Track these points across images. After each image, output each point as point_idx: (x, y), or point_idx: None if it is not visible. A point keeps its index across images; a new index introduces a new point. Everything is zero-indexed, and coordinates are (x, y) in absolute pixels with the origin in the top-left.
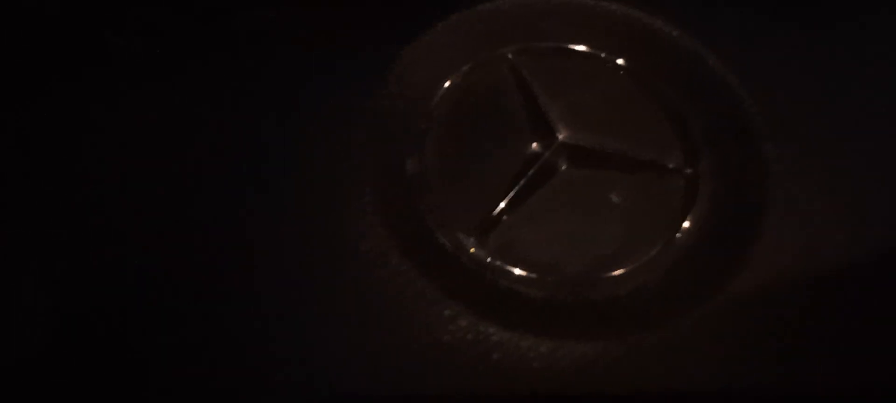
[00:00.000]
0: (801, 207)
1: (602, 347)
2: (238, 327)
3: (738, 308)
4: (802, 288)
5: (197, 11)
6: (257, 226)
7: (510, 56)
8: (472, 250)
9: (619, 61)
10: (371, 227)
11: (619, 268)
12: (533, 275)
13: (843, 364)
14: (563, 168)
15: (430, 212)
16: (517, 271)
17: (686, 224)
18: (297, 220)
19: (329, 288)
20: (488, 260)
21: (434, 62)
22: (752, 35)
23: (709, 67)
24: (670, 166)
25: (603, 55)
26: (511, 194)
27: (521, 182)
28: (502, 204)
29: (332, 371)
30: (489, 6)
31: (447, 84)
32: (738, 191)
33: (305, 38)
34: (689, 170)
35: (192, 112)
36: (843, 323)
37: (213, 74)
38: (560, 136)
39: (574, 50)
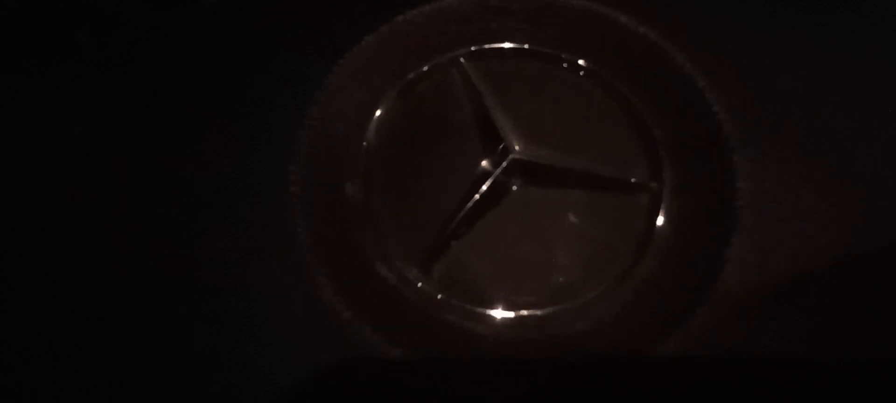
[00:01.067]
0: (771, 228)
1: (555, 389)
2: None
3: (702, 345)
4: (772, 320)
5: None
6: (173, 270)
7: (462, 61)
8: (418, 284)
9: (580, 62)
10: (304, 262)
11: (576, 301)
12: (482, 311)
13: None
14: (516, 187)
15: (371, 242)
16: (465, 306)
17: (648, 250)
18: (217, 258)
19: (255, 327)
20: (434, 294)
21: (375, 72)
22: (721, 31)
23: (676, 67)
24: (633, 180)
25: (563, 56)
26: (459, 217)
27: (470, 203)
28: (449, 230)
29: None
30: (436, 6)
31: (390, 96)
32: (704, 211)
33: (235, 54)
34: (653, 185)
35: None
36: (817, 362)
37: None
38: (513, 152)
39: (531, 51)
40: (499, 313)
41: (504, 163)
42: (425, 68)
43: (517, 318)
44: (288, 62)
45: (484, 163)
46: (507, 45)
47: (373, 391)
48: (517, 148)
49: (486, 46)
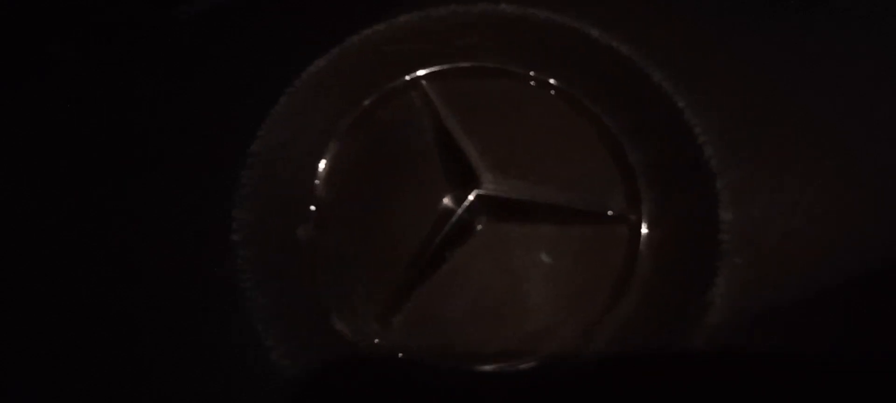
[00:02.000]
0: (760, 261)
1: None
2: None
3: (682, 386)
4: (758, 362)
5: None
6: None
7: (423, 82)
8: (376, 339)
9: (551, 81)
10: (252, 313)
11: (550, 347)
12: (448, 364)
13: None
14: (482, 226)
15: (326, 291)
16: (429, 361)
17: (628, 287)
18: (162, 309)
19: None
20: (395, 349)
21: (327, 99)
22: (702, 47)
23: (653, 86)
24: (610, 213)
25: (532, 74)
26: (420, 261)
27: (433, 245)
28: (411, 275)
29: None
30: (393, 23)
31: (344, 125)
32: (686, 244)
33: (173, 87)
34: (631, 216)
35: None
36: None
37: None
38: (479, 186)
39: (497, 70)
40: (466, 367)
41: (470, 198)
42: (382, 92)
43: (486, 373)
44: (231, 93)
45: (447, 199)
46: (471, 63)
47: None
48: (484, 180)
49: (449, 66)
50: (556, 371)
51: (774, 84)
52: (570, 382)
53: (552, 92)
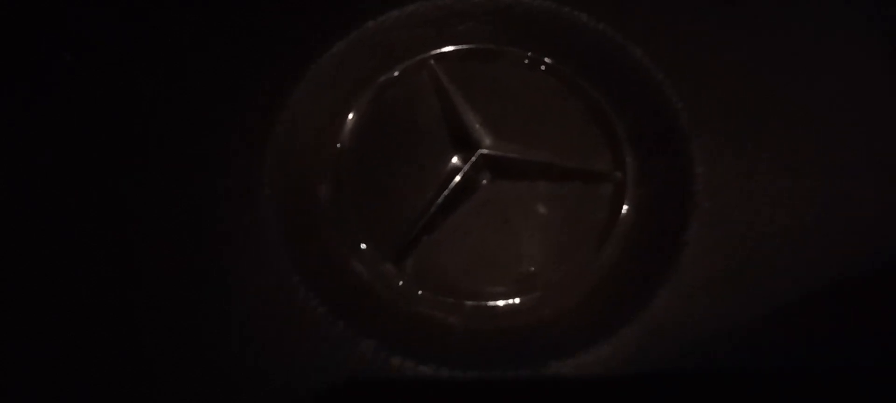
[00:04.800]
0: (728, 213)
1: (523, 376)
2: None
3: (659, 331)
4: (730, 305)
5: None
6: (150, 261)
7: (431, 62)
8: (390, 278)
9: (544, 60)
10: (279, 260)
11: (542, 290)
12: (452, 302)
13: (775, 388)
14: (485, 182)
15: (345, 240)
16: (437, 298)
17: (611, 237)
18: (197, 253)
19: (230, 325)
20: (405, 287)
21: (345, 76)
22: (677, 27)
23: (635, 61)
24: (597, 170)
25: (526, 54)
26: (430, 213)
27: (441, 199)
28: (421, 225)
29: None
30: (405, 11)
31: (362, 100)
32: (664, 197)
33: (207, 56)
34: (616, 174)
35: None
36: (776, 345)
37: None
38: (481, 148)
39: (495, 51)
40: (468, 303)
41: (473, 159)
42: (396, 72)
43: (487, 308)
44: (260, 68)
45: (454, 159)
46: (472, 46)
47: (349, 382)
48: (485, 143)
49: (453, 48)
50: (540, 315)
51: (743, 62)
52: (549, 327)
53: (544, 69)
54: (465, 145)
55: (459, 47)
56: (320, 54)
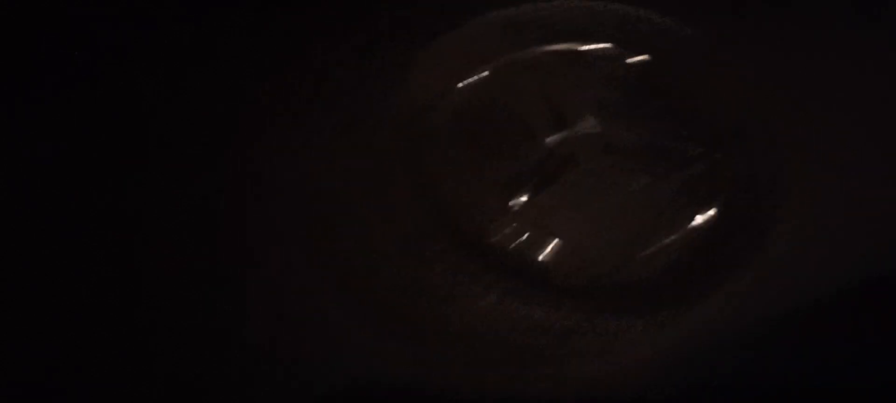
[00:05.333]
0: (819, 195)
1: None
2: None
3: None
4: (821, 275)
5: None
6: (269, 226)
7: (529, 58)
8: (496, 236)
9: (636, 59)
10: (394, 222)
11: (647, 249)
12: (561, 258)
13: (862, 355)
14: (584, 159)
15: (457, 204)
16: (548, 248)
17: (710, 210)
18: (322, 217)
19: (355, 281)
20: (513, 245)
21: (453, 63)
22: (767, 30)
23: (726, 64)
24: (690, 153)
25: (619, 53)
26: (533, 183)
27: (542, 173)
28: (525, 196)
29: (361, 360)
30: (505, 12)
31: (467, 83)
32: (757, 178)
33: (327, 42)
34: (713, 156)
35: (199, 114)
36: (864, 312)
37: (219, 78)
38: (579, 129)
39: (589, 50)
40: (576, 259)
41: (573, 138)
42: (499, 63)
43: (593, 264)
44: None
45: (554, 137)
46: (568, 45)
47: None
48: (583, 125)
49: (551, 47)
50: (648, 270)
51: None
52: (657, 280)
53: (637, 69)
54: (564, 126)
55: (558, 46)
56: (429, 42)
